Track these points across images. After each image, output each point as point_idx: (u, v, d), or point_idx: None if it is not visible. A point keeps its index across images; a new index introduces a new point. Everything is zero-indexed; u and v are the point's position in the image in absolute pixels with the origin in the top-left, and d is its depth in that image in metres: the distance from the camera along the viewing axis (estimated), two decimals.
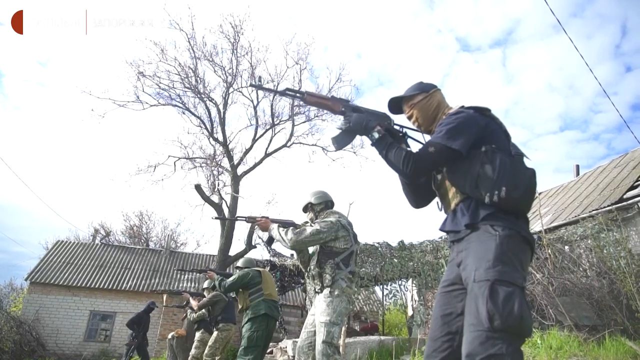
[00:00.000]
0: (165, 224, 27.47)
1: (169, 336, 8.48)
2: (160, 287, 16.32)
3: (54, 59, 50.66)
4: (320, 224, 3.22)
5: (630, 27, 68.12)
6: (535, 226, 8.75)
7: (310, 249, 3.41)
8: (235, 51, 14.38)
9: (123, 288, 16.61)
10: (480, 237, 1.60)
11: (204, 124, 14.66)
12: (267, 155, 15.07)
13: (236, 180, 14.38)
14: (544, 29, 66.00)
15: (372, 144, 1.88)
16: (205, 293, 6.92)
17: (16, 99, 52.93)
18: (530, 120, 78.67)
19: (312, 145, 15.32)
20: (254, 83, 2.30)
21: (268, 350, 6.84)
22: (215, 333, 6.21)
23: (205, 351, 6.04)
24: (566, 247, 7.34)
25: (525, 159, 1.75)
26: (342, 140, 2.01)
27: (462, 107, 1.85)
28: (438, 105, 1.94)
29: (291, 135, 15.17)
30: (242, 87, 14.74)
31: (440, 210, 1.89)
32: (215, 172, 15.23)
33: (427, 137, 1.92)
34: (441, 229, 1.84)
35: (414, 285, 9.15)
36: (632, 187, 8.51)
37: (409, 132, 2.04)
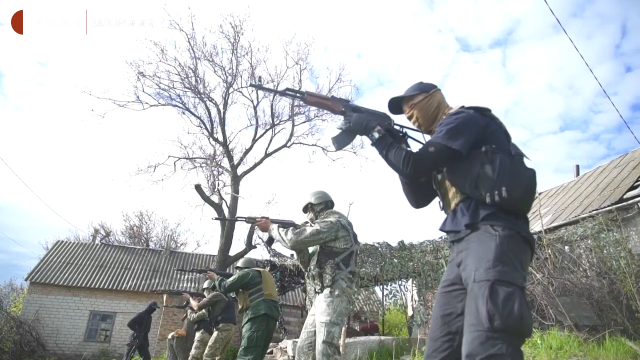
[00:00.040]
0: (165, 224, 27.51)
1: (169, 336, 8.48)
2: (160, 287, 16.31)
3: (54, 59, 50.72)
4: (320, 224, 3.22)
5: (630, 27, 68.18)
6: (535, 226, 8.75)
7: (311, 249, 3.41)
8: (235, 51, 14.40)
9: (123, 288, 16.61)
10: (480, 237, 1.60)
11: (204, 124, 14.67)
12: (267, 155, 15.08)
13: (236, 180, 14.38)
14: (544, 29, 66.07)
15: (372, 144, 1.88)
16: (205, 293, 6.92)
17: (16, 99, 52.99)
18: (530, 120, 78.75)
19: (312, 145, 15.34)
20: (254, 83, 2.30)
21: (268, 351, 6.84)
22: (215, 333, 6.21)
23: (205, 351, 6.04)
24: (566, 247, 7.34)
25: (525, 159, 1.75)
26: (342, 140, 2.01)
27: (463, 107, 1.85)
28: (438, 106, 1.94)
29: (291, 135, 15.18)
30: (242, 87, 14.76)
31: (442, 209, 1.89)
32: (215, 172, 15.24)
33: (427, 137, 1.93)
34: (441, 229, 1.84)
35: (414, 285, 9.15)
36: (632, 187, 8.51)
37: (409, 132, 2.04)
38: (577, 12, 71.73)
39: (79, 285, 16.38)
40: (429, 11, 72.55)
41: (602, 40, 64.81)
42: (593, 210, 8.45)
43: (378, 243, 8.86)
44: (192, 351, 6.69)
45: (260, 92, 14.71)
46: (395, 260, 8.56)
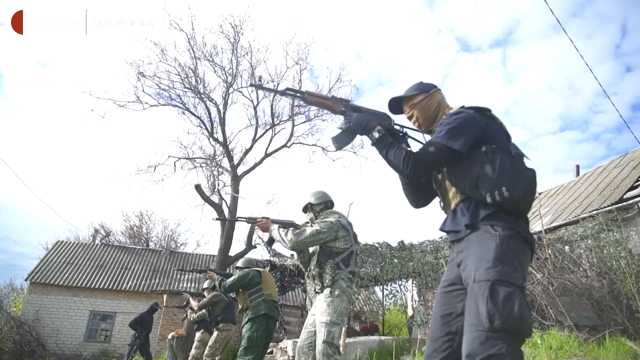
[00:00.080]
0: (165, 224, 27.51)
1: (169, 336, 8.48)
2: (161, 288, 16.31)
3: (54, 59, 50.72)
4: (320, 224, 3.22)
5: (630, 27, 68.19)
6: (535, 226, 8.74)
7: (311, 249, 3.41)
8: (235, 51, 14.40)
9: (123, 288, 16.61)
10: (481, 237, 1.60)
11: (204, 124, 14.67)
12: (267, 155, 15.08)
13: (236, 180, 14.38)
14: (544, 29, 66.07)
15: (373, 144, 1.88)
16: (205, 293, 6.92)
17: (16, 99, 52.99)
18: (530, 121, 78.75)
19: (312, 145, 15.33)
20: (254, 83, 2.30)
21: (268, 351, 6.84)
22: (215, 333, 6.21)
23: (205, 351, 6.04)
24: (566, 247, 7.34)
25: (525, 160, 1.75)
26: (342, 140, 2.01)
27: (463, 107, 1.85)
28: (438, 106, 1.94)
29: (291, 135, 15.18)
30: (242, 87, 14.76)
31: (442, 209, 1.89)
32: (215, 172, 15.24)
33: (428, 137, 1.93)
34: (441, 229, 1.84)
35: (414, 285, 9.15)
36: (632, 187, 8.51)
37: (409, 132, 2.04)
38: (577, 12, 71.79)
39: (79, 285, 16.38)
40: (429, 11, 72.60)
41: (602, 40, 64.86)
42: (593, 210, 8.45)
43: (378, 243, 8.86)
44: (192, 351, 6.69)
45: (261, 92, 14.73)
46: (396, 260, 8.56)
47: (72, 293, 16.27)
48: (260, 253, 18.20)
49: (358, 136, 2.07)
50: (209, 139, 14.89)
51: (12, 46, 43.85)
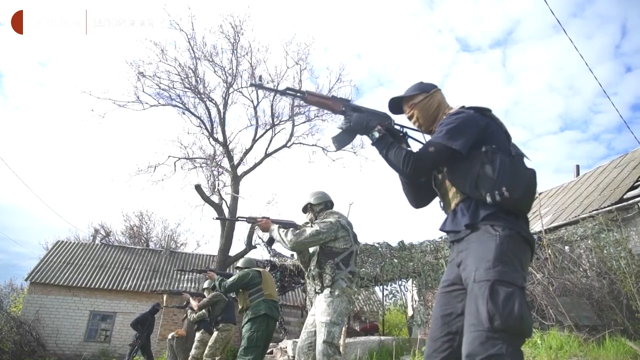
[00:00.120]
0: (166, 224, 27.52)
1: (169, 336, 8.48)
2: (161, 288, 16.32)
3: (54, 59, 50.73)
4: (320, 224, 3.22)
5: (630, 27, 68.19)
6: (536, 226, 8.74)
7: (311, 250, 3.41)
8: (235, 51, 14.40)
9: (123, 288, 16.61)
10: (481, 237, 1.59)
11: (204, 124, 14.66)
12: (267, 155, 15.07)
13: (236, 180, 14.38)
14: (544, 29, 66.08)
15: (373, 144, 1.88)
16: (205, 293, 6.92)
17: (16, 99, 52.99)
18: (530, 121, 78.76)
19: (312, 145, 15.32)
20: (254, 82, 2.30)
21: (268, 351, 6.83)
22: (215, 333, 6.21)
23: (205, 351, 6.04)
24: (566, 248, 7.34)
25: (525, 160, 1.75)
26: (342, 140, 2.01)
27: (463, 107, 1.85)
28: (438, 106, 1.94)
29: (291, 135, 15.17)
30: (242, 87, 14.75)
31: (442, 209, 1.89)
32: (215, 173, 15.24)
33: (428, 137, 1.92)
34: (441, 229, 1.84)
35: (414, 285, 9.15)
36: (632, 188, 8.51)
37: (410, 132, 2.04)
38: (577, 12, 71.78)
39: (79, 285, 16.38)
40: (429, 11, 72.59)
41: (602, 40, 64.85)
42: (593, 211, 8.45)
43: (378, 243, 8.86)
44: (192, 351, 6.69)
45: (261, 92, 14.73)
46: (395, 261, 8.56)
47: (72, 293, 16.27)
48: (260, 253, 18.20)
49: (358, 136, 2.08)
50: (209, 139, 14.91)
51: (12, 46, 43.89)
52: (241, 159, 14.88)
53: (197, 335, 6.91)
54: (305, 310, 11.09)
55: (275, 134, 15.24)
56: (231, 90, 14.63)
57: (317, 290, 3.19)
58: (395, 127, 2.01)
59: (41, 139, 52.50)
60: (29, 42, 51.75)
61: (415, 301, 8.92)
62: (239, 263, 5.26)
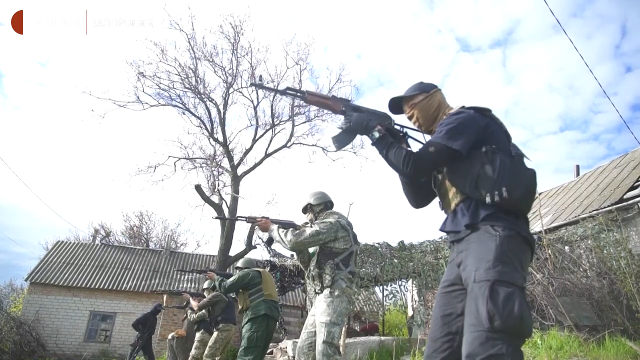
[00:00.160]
0: (166, 225, 27.53)
1: (169, 337, 8.48)
2: (160, 288, 16.33)
3: (54, 59, 50.74)
4: (320, 224, 3.22)
5: (630, 28, 68.20)
6: (536, 226, 8.74)
7: (311, 250, 3.40)
8: (235, 51, 14.40)
9: (123, 288, 16.61)
10: (481, 237, 1.59)
11: (204, 124, 14.67)
12: (267, 155, 15.08)
13: (236, 180, 14.38)
14: (544, 29, 66.10)
15: (373, 144, 1.88)
16: (205, 293, 6.92)
17: (16, 99, 52.99)
18: (530, 121, 78.77)
19: (312, 145, 15.33)
20: (254, 82, 2.30)
21: (268, 351, 6.83)
22: (215, 333, 6.20)
23: (205, 351, 6.04)
24: (566, 248, 7.34)
25: (525, 160, 1.75)
26: (342, 140, 2.01)
27: (463, 107, 1.85)
28: (439, 106, 1.94)
29: (291, 135, 15.18)
30: (242, 88, 14.76)
31: (442, 210, 1.89)
32: (215, 173, 15.24)
33: (428, 137, 1.92)
34: (441, 229, 1.83)
35: (414, 285, 9.15)
36: (632, 188, 8.51)
37: (410, 132, 2.04)
38: (577, 12, 71.79)
39: (79, 285, 16.38)
40: (429, 11, 72.60)
41: (602, 40, 64.87)
42: (593, 211, 8.45)
43: (378, 243, 8.86)
44: (192, 351, 6.69)
45: (261, 92, 14.74)
46: (396, 261, 8.55)
47: (72, 293, 16.27)
48: (260, 253, 18.23)
49: (358, 136, 2.07)
50: (209, 139, 14.91)
51: (12, 46, 43.89)
52: (241, 159, 14.89)
53: (197, 335, 6.91)
54: (305, 311, 11.09)
55: (275, 134, 15.26)
56: (231, 90, 14.65)
57: (317, 291, 3.19)
58: (395, 127, 2.01)
59: (41, 139, 52.55)
60: (29, 42, 51.80)
61: (415, 301, 8.92)
62: (239, 263, 5.26)
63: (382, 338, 7.01)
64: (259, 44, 30.32)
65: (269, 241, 3.53)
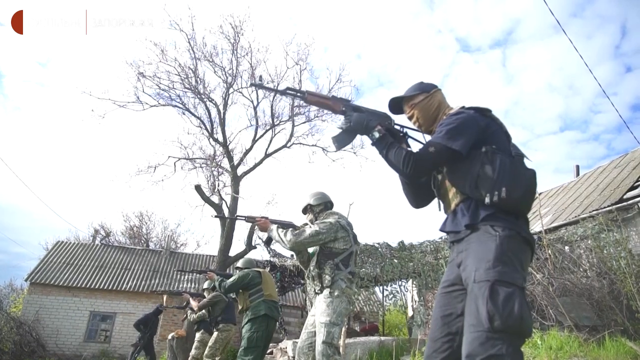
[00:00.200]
0: (165, 225, 27.52)
1: (169, 337, 8.48)
2: (160, 288, 16.32)
3: (54, 59, 50.75)
4: (320, 225, 3.22)
5: (630, 28, 68.23)
6: (536, 226, 8.74)
7: (311, 250, 3.40)
8: (235, 52, 14.41)
9: (123, 289, 16.61)
10: (481, 237, 1.59)
11: (204, 124, 14.67)
12: (267, 155, 15.08)
13: (236, 180, 14.39)
14: (544, 29, 66.11)
15: (373, 144, 1.88)
16: (205, 294, 6.92)
17: (16, 99, 52.99)
18: (530, 121, 78.79)
19: (312, 145, 15.33)
20: (254, 82, 2.30)
21: (268, 351, 6.83)
22: (215, 334, 6.20)
23: (205, 352, 6.04)
24: (566, 248, 7.34)
25: (525, 160, 1.75)
26: (342, 140, 2.01)
27: (463, 107, 1.85)
28: (439, 106, 1.94)
29: (291, 135, 15.18)
30: (242, 88, 14.77)
31: (441, 210, 1.89)
32: (215, 173, 15.24)
33: (428, 137, 1.92)
34: (441, 230, 1.83)
35: (414, 285, 9.15)
36: (632, 188, 8.51)
37: (410, 132, 2.04)
38: (577, 12, 71.83)
39: (79, 285, 16.38)
40: (429, 12, 72.62)
41: (602, 40, 64.88)
42: (593, 211, 8.45)
43: (378, 243, 8.85)
44: (192, 352, 6.69)
45: (261, 93, 14.74)
46: (395, 261, 8.55)
47: (72, 293, 16.27)
48: (260, 253, 18.23)
49: (358, 136, 2.07)
50: (209, 139, 14.92)
51: (12, 46, 43.89)
52: (241, 159, 14.89)
53: (197, 335, 6.91)
54: (305, 311, 11.09)
55: (275, 134, 15.27)
56: (231, 90, 14.66)
57: (316, 291, 3.19)
58: (396, 127, 2.01)
59: (41, 139, 52.54)
60: (29, 42, 51.79)
61: (415, 301, 8.92)
62: (239, 263, 5.26)
63: (382, 338, 7.01)
64: (259, 44, 30.41)
65: (268, 241, 3.54)
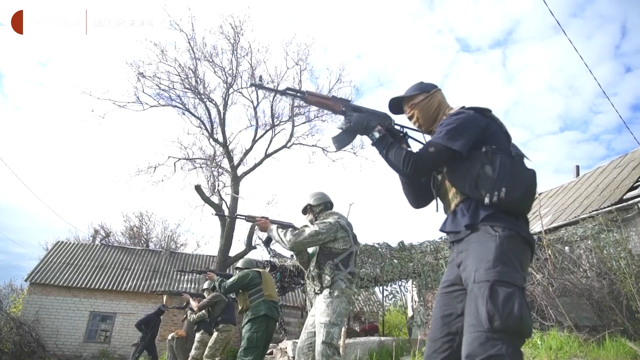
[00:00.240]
0: (165, 225, 27.51)
1: (169, 337, 8.48)
2: (160, 288, 16.30)
3: (54, 59, 50.75)
4: (319, 225, 3.22)
5: (630, 28, 68.24)
6: (536, 227, 8.74)
7: (311, 250, 3.40)
8: (235, 52, 14.42)
9: (123, 289, 16.60)
10: (480, 237, 1.59)
11: (204, 124, 14.68)
12: (267, 156, 15.09)
13: (236, 181, 14.39)
14: (544, 29, 66.13)
15: (373, 144, 1.88)
16: (205, 294, 6.92)
17: (16, 100, 52.98)
18: (530, 121, 78.81)
19: (312, 146, 15.35)
20: (254, 82, 2.30)
21: (268, 351, 6.83)
22: (215, 334, 6.20)
23: (205, 352, 6.04)
24: (566, 248, 7.34)
25: (525, 160, 1.75)
26: (342, 140, 2.01)
27: (463, 107, 1.85)
28: (439, 106, 1.94)
29: (291, 136, 15.19)
30: (242, 88, 14.78)
31: (438, 211, 1.89)
32: (215, 173, 15.25)
33: (428, 138, 1.92)
34: (441, 230, 1.83)
35: (414, 286, 9.15)
36: (632, 188, 8.51)
37: (410, 132, 2.04)
38: (577, 13, 71.85)
39: (78, 285, 16.37)
40: (429, 12, 72.63)
41: (602, 40, 64.89)
42: (593, 211, 8.45)
43: (378, 244, 8.85)
44: (192, 352, 6.69)
45: (261, 93, 14.75)
46: (395, 261, 8.55)
47: (72, 294, 16.26)
48: (260, 254, 18.24)
49: (358, 136, 2.07)
50: (209, 139, 14.92)
51: (12, 46, 43.89)
52: (241, 160, 14.90)
53: (197, 335, 6.91)
54: (305, 311, 11.09)
55: (275, 135, 15.28)
56: (231, 90, 14.67)
57: (316, 291, 3.19)
58: (396, 127, 2.01)
59: (41, 139, 52.53)
60: (29, 42, 51.79)
61: (415, 302, 8.92)
62: (239, 264, 5.26)
63: (382, 338, 7.01)
64: (259, 44, 30.44)
65: (268, 241, 3.54)
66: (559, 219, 9.61)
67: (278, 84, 14.38)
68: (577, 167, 13.08)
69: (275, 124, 15.06)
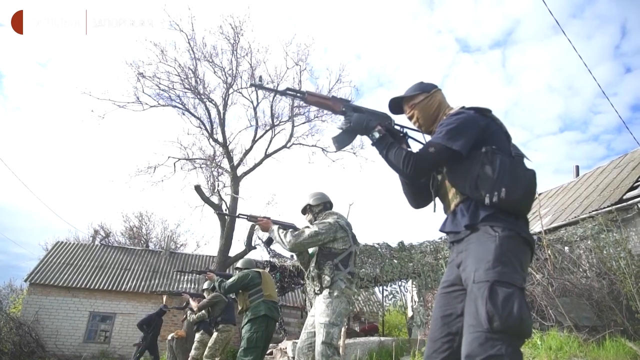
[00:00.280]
0: (165, 225, 27.48)
1: (169, 337, 8.48)
2: (160, 288, 16.29)
3: (54, 60, 50.74)
4: (319, 225, 3.22)
5: (630, 28, 68.28)
6: (535, 227, 8.75)
7: (310, 250, 3.40)
8: (235, 52, 14.42)
9: (123, 289, 16.59)
10: (480, 238, 1.59)
11: (204, 124, 14.68)
12: (267, 156, 15.09)
13: (236, 181, 14.39)
14: (544, 29, 66.16)
15: (373, 144, 1.88)
16: (205, 294, 6.92)
17: (16, 100, 52.96)
18: (530, 121, 78.83)
19: (312, 146, 15.35)
20: (254, 82, 2.30)
21: (268, 352, 6.83)
22: (215, 334, 6.20)
23: (205, 352, 6.04)
24: (566, 248, 7.34)
25: (525, 160, 1.75)
26: (342, 140, 2.01)
27: (463, 107, 1.85)
28: (439, 106, 1.94)
29: (291, 136, 15.19)
30: (242, 88, 14.78)
31: (435, 212, 1.89)
32: (215, 173, 15.25)
33: (428, 138, 1.92)
34: (441, 230, 1.83)
35: (413, 286, 9.15)
36: (632, 188, 8.51)
37: (410, 133, 2.04)
38: (576, 13, 71.88)
39: (78, 286, 16.36)
40: (428, 12, 72.65)
41: (602, 40, 64.90)
42: (593, 211, 8.45)
43: (378, 244, 8.85)
44: (192, 352, 6.69)
45: (260, 93, 14.75)
46: (395, 261, 8.55)
47: (72, 294, 16.25)
48: (260, 254, 18.23)
49: (358, 136, 2.07)
50: (208, 139, 14.92)
51: (12, 46, 43.88)
52: (241, 160, 14.90)
53: (197, 336, 6.91)
54: (305, 311, 11.09)
55: (275, 135, 15.28)
56: (231, 91, 14.67)
57: (316, 291, 3.19)
58: (396, 127, 2.01)
59: (41, 139, 52.49)
60: (29, 42, 51.79)
61: (415, 302, 8.92)
62: (239, 264, 5.26)
63: (382, 339, 7.01)
64: (259, 44, 30.31)
65: (268, 241, 3.54)
66: (558, 219, 9.61)
67: (278, 84, 14.39)
68: (577, 167, 13.11)
69: (275, 124, 15.08)
